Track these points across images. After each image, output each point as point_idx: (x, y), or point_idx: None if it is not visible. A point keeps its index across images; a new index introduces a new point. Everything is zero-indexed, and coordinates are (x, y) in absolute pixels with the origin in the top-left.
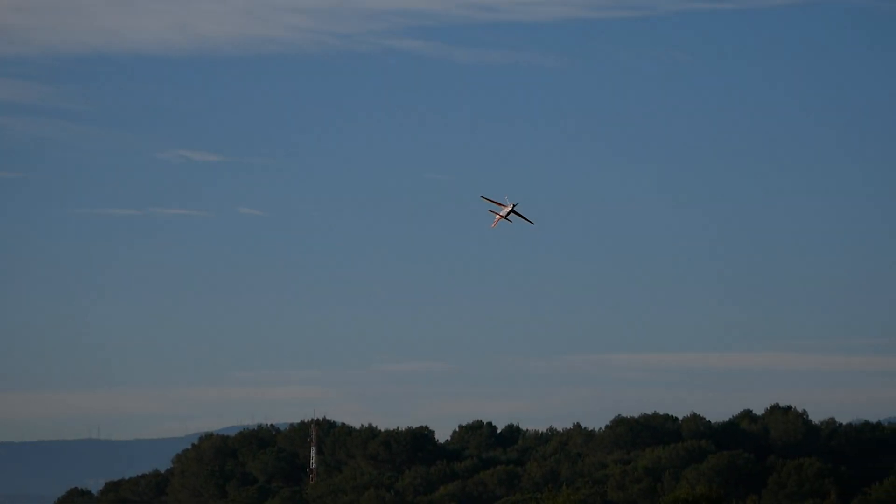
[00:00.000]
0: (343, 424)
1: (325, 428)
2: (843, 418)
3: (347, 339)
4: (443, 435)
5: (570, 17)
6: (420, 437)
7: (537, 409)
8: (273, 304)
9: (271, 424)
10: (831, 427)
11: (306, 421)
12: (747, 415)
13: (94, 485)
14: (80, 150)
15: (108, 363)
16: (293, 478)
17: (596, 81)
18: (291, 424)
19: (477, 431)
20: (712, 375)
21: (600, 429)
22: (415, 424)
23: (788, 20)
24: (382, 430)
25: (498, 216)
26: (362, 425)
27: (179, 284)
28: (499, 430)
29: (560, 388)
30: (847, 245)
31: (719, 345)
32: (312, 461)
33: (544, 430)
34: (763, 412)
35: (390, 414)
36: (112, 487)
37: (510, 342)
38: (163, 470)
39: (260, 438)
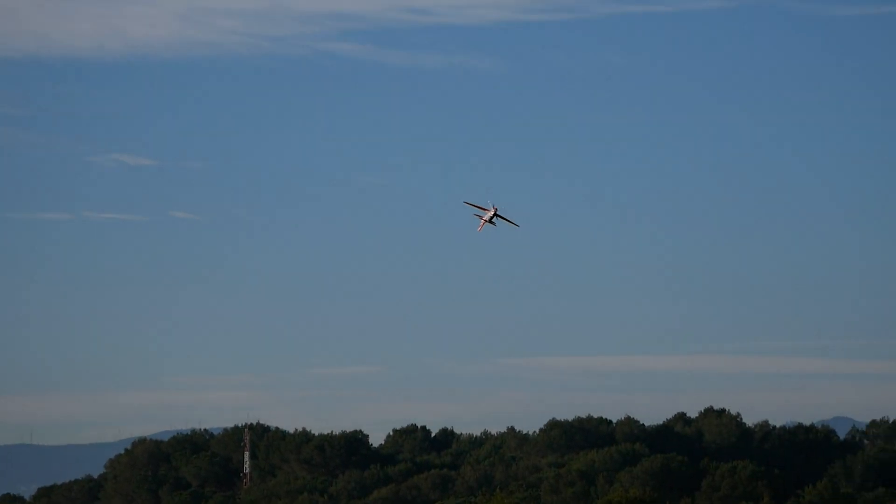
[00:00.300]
0: (277, 429)
1: (259, 432)
2: (777, 421)
3: (281, 343)
4: (377, 439)
5: (503, 20)
6: (354, 442)
7: (471, 413)
8: (206, 307)
9: (205, 429)
10: (765, 430)
11: (240, 425)
12: (681, 418)
13: (27, 491)
14: (13, 154)
15: (41, 368)
16: (227, 483)
17: (530, 84)
18: (225, 429)
19: (411, 435)
20: (646, 378)
21: (534, 432)
22: (348, 428)
23: (721, 23)
24: (316, 434)
25: (483, 220)
26: (296, 430)
27: (112, 288)
28: (433, 434)
29: (494, 391)
30: (781, 248)
31: (653, 348)
32: (246, 466)
33: (478, 434)
34: (697, 415)
35: (324, 418)
36: (45, 493)
37: (444, 346)
38: (96, 475)
39: (193, 443)
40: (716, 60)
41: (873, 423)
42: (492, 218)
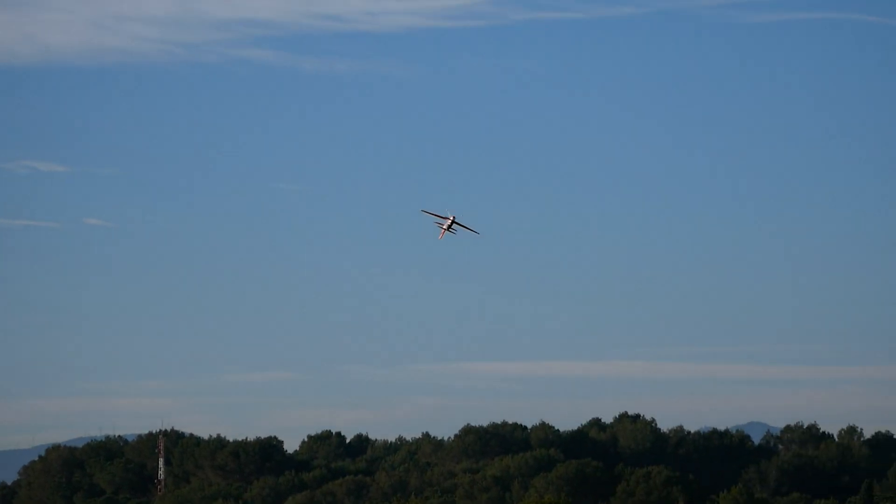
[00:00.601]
0: (191, 435)
1: (173, 439)
2: (692, 426)
3: (195, 349)
4: (291, 445)
5: (418, 26)
6: (268, 448)
7: (386, 419)
8: (120, 314)
9: (119, 436)
10: (679, 435)
11: (154, 432)
12: (596, 423)
13: None
14: None
15: None
16: (141, 489)
17: (446, 90)
18: (139, 436)
19: (325, 442)
20: (561, 384)
21: (449, 438)
22: (263, 435)
23: (634, 29)
24: (230, 440)
25: (442, 229)
26: (210, 436)
27: (25, 294)
28: (347, 440)
29: (408, 397)
30: (694, 253)
31: (568, 354)
32: (160, 472)
33: (393, 440)
34: (612, 420)
35: (238, 425)
36: None
37: (358, 352)
38: (9, 482)
39: (108, 450)
40: (629, 67)
41: (787, 428)
42: (450, 226)
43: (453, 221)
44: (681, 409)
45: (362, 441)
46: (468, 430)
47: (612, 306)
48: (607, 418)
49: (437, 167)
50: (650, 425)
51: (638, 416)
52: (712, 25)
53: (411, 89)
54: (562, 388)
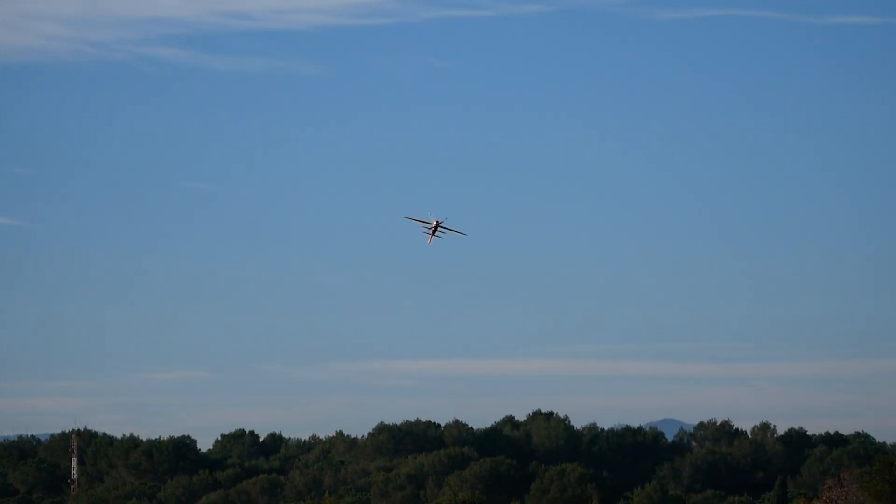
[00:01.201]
0: (104, 435)
1: (87, 438)
2: (605, 424)
3: (108, 349)
4: (205, 444)
5: (325, 24)
6: (182, 447)
7: (299, 418)
8: (31, 313)
9: (32, 435)
10: (593, 433)
11: (67, 431)
12: (509, 421)
13: None
14: None
15: None
16: (54, 489)
17: (354, 88)
18: (52, 435)
19: (239, 440)
20: (474, 382)
21: (363, 436)
22: (176, 434)
23: (541, 27)
24: (144, 439)
25: (429, 234)
26: (124, 435)
27: None
28: (261, 439)
29: (322, 396)
30: (606, 250)
31: (481, 352)
32: (73, 472)
33: (307, 439)
34: (525, 418)
35: (152, 423)
36: None
37: (271, 350)
38: None
39: (20, 449)
40: (536, 64)
41: (701, 425)
42: (435, 230)
43: (438, 225)
44: (594, 407)
45: (276, 440)
46: (382, 429)
47: (524, 304)
48: (521, 416)
49: (345, 164)
50: (564, 423)
51: (551, 413)
52: (623, 22)
53: (319, 87)
54: (475, 387)
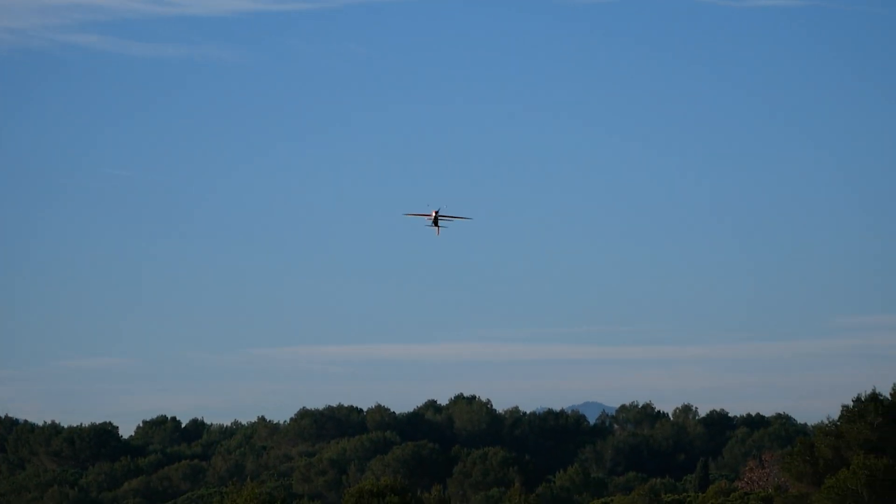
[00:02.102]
0: (25, 422)
1: (7, 426)
2: (527, 407)
3: (28, 336)
4: (127, 431)
5: (246, 9)
6: (103, 434)
7: (222, 404)
8: None
9: None
10: (515, 416)
11: None
12: (432, 405)
13: None
14: None
15: None
16: None
17: (275, 74)
18: None
19: (161, 427)
20: (396, 367)
21: (285, 422)
22: (98, 420)
23: (467, 10)
24: (66, 426)
25: (435, 227)
26: (45, 422)
27: None
28: (183, 425)
29: (244, 381)
30: (527, 233)
31: (402, 336)
32: None
33: (229, 424)
34: (447, 402)
35: (73, 411)
36: None
37: (192, 336)
38: None
39: None
40: (457, 48)
41: (623, 407)
42: (436, 220)
43: (437, 215)
44: (516, 391)
45: (198, 426)
46: (304, 414)
47: (445, 288)
48: (443, 400)
49: (263, 150)
50: (486, 406)
51: (473, 397)
52: (543, 4)
53: (240, 73)
54: (397, 371)
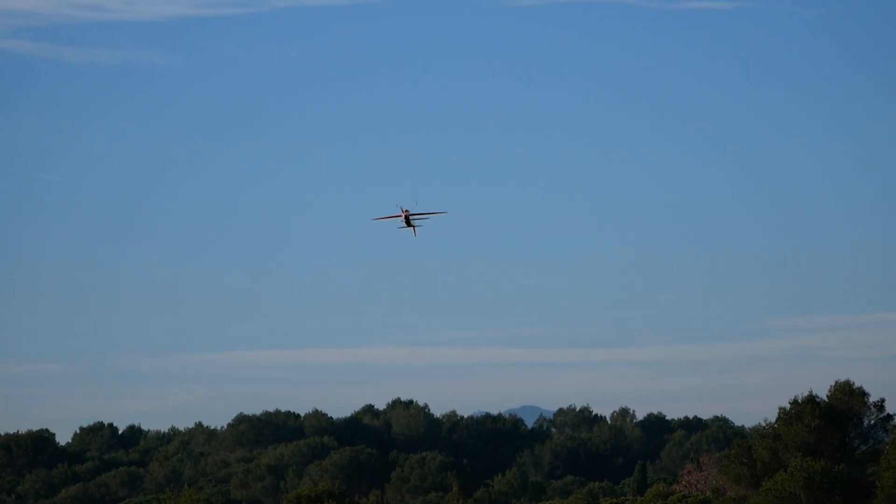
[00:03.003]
0: None
1: None
2: (465, 411)
3: None
4: (63, 437)
5: (178, 15)
6: (40, 441)
7: (158, 409)
8: None
9: None
10: (453, 420)
11: None
12: (369, 410)
13: None
14: None
15: None
16: None
17: (207, 78)
18: None
19: (98, 433)
20: (332, 371)
21: (222, 427)
22: (34, 427)
23: (394, 13)
24: (2, 433)
25: (410, 227)
26: None
27: None
28: (120, 431)
29: (180, 387)
30: (463, 238)
31: (338, 340)
32: None
33: (166, 430)
34: (385, 407)
35: (9, 417)
36: None
37: (127, 342)
38: None
39: None
40: (390, 50)
41: (560, 411)
42: (408, 220)
43: (408, 215)
44: (453, 394)
45: (135, 432)
46: (241, 419)
47: (380, 292)
48: (380, 405)
49: (196, 155)
50: (423, 411)
51: (411, 401)
52: (472, 5)
53: (173, 78)
54: (333, 376)
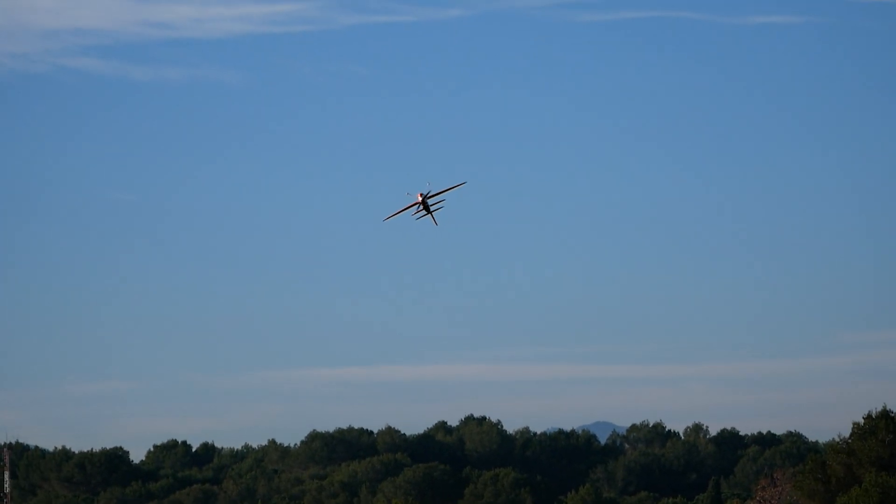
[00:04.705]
0: (36, 447)
1: (18, 451)
2: (538, 427)
3: (37, 360)
4: (137, 455)
5: (247, 32)
6: (114, 458)
7: (232, 427)
8: None
9: None
10: (526, 436)
11: None
12: (442, 426)
13: None
14: None
15: None
16: None
17: (277, 96)
18: None
19: (171, 451)
20: (406, 388)
21: (295, 445)
22: (109, 445)
23: (463, 31)
24: (76, 452)
25: (429, 213)
26: (55, 448)
27: None
28: (194, 449)
29: (254, 404)
30: (533, 254)
31: (411, 357)
32: (6, 486)
33: (239, 448)
34: (458, 423)
35: (84, 435)
36: None
37: (199, 359)
38: None
39: None
40: (458, 68)
41: (633, 427)
42: (426, 206)
43: (424, 199)
44: (526, 411)
45: (209, 449)
46: (314, 436)
47: (453, 308)
48: (453, 421)
49: (269, 171)
50: (496, 427)
51: (484, 418)
52: (543, 25)
53: (242, 96)
54: (407, 393)
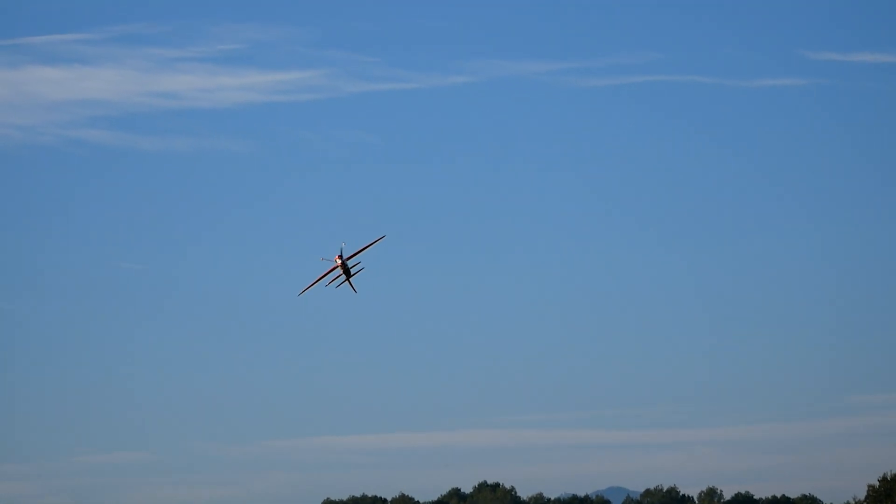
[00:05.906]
0: None
1: None
2: (552, 493)
3: (48, 431)
4: None
5: (254, 101)
6: None
7: (244, 496)
8: None
9: None
10: (540, 503)
11: None
12: (456, 493)
13: None
14: None
15: None
16: None
17: (284, 165)
18: None
19: None
20: (418, 455)
21: None
22: None
23: (469, 97)
24: None
25: (347, 277)
26: None
27: None
28: None
29: (265, 473)
30: (544, 320)
31: (423, 424)
32: None
33: None
34: (471, 490)
35: None
36: None
37: (212, 428)
38: None
39: None
40: (466, 134)
41: (647, 492)
42: (346, 269)
43: (343, 262)
44: (540, 476)
45: None
46: None
47: (464, 375)
48: (467, 488)
49: (275, 240)
50: (510, 493)
51: (497, 484)
52: (549, 90)
53: (249, 164)
54: (419, 459)
